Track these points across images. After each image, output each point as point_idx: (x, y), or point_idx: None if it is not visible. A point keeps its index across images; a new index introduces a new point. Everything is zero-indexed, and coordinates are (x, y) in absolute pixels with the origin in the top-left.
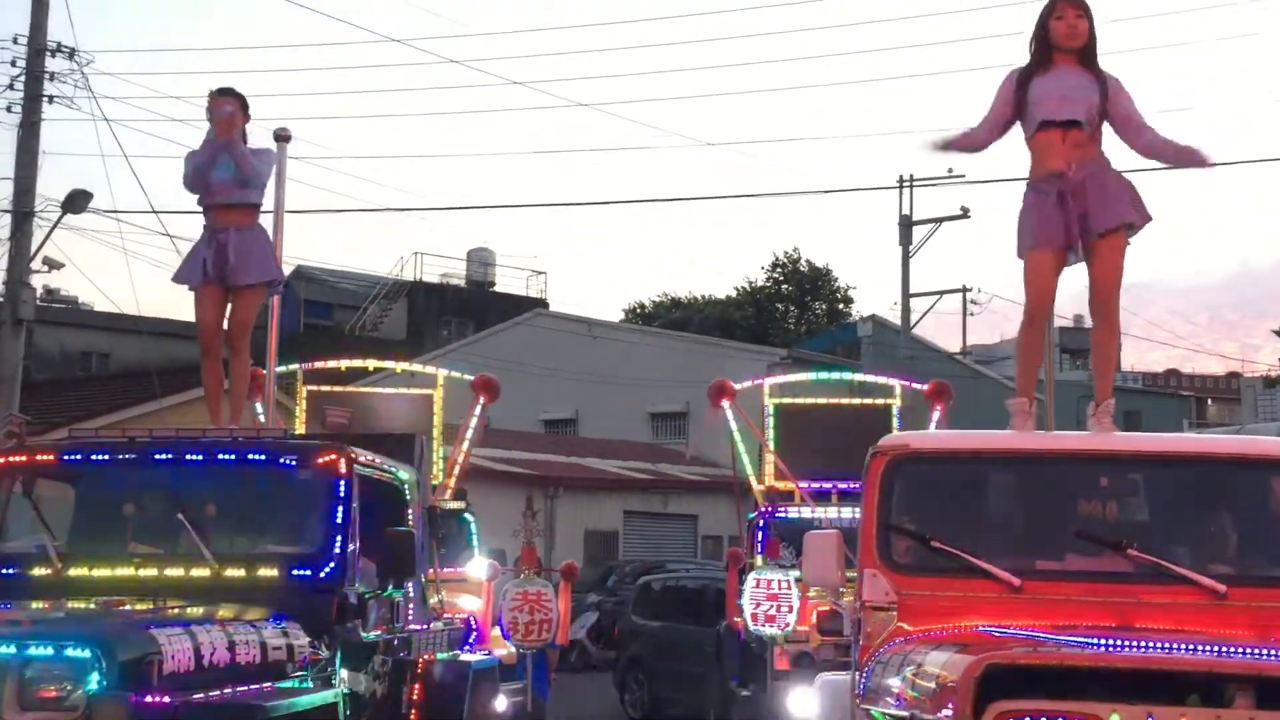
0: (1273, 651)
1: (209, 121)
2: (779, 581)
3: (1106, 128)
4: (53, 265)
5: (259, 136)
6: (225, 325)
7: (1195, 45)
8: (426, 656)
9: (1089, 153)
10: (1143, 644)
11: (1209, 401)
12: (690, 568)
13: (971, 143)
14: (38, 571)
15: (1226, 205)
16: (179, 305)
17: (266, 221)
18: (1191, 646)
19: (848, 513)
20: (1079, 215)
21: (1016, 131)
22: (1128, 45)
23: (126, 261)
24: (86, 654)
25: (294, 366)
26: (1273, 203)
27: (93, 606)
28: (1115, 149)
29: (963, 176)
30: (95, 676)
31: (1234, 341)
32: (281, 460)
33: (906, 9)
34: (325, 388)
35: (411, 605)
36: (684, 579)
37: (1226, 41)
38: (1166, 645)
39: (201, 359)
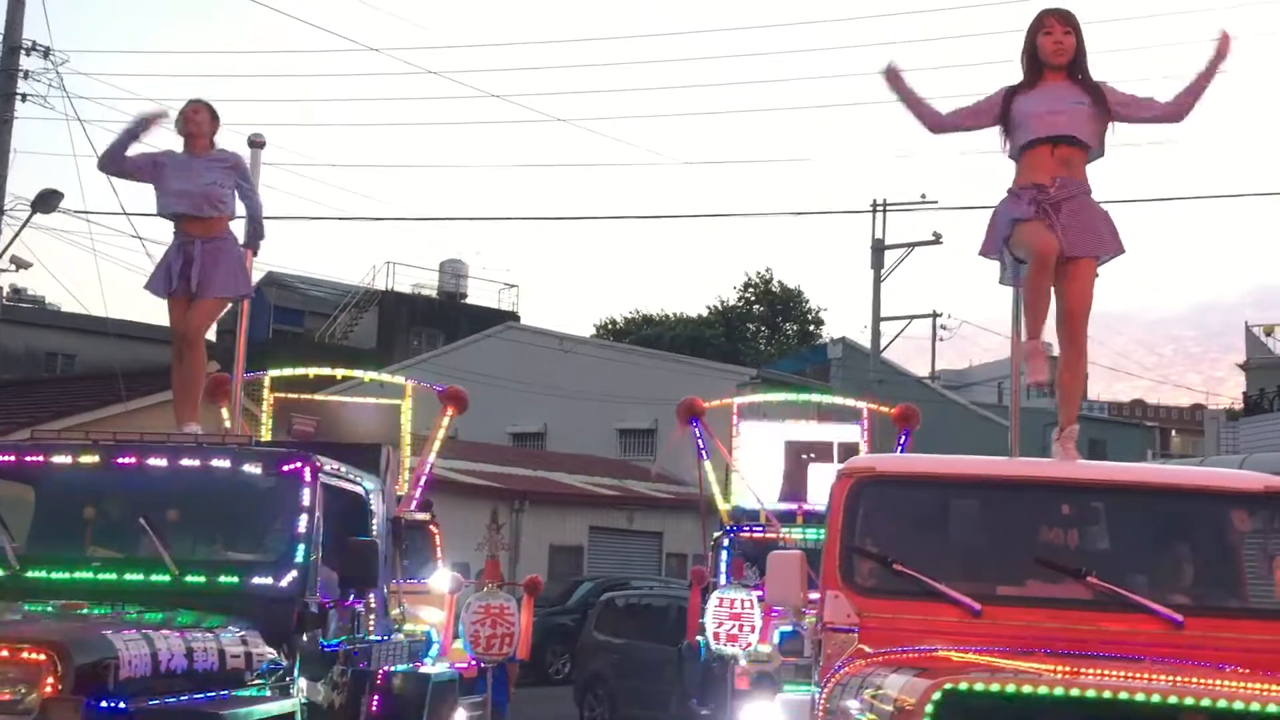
0: (1228, 682)
1: (180, 131)
2: (742, 601)
3: (1125, 129)
4: (20, 264)
5: (234, 141)
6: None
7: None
8: (386, 668)
9: (1075, 173)
10: (1100, 672)
11: (1173, 433)
12: (654, 585)
13: (925, 113)
14: None
15: (1193, 239)
16: (147, 308)
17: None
18: (1148, 676)
19: (812, 533)
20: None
21: (994, 155)
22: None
23: (95, 262)
24: (41, 657)
25: (261, 373)
26: (1239, 238)
27: (50, 609)
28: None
29: (936, 202)
30: (50, 680)
31: (1199, 374)
32: (246, 467)
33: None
34: (293, 395)
35: (373, 616)
36: (647, 596)
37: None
38: (1123, 674)
39: (173, 362)
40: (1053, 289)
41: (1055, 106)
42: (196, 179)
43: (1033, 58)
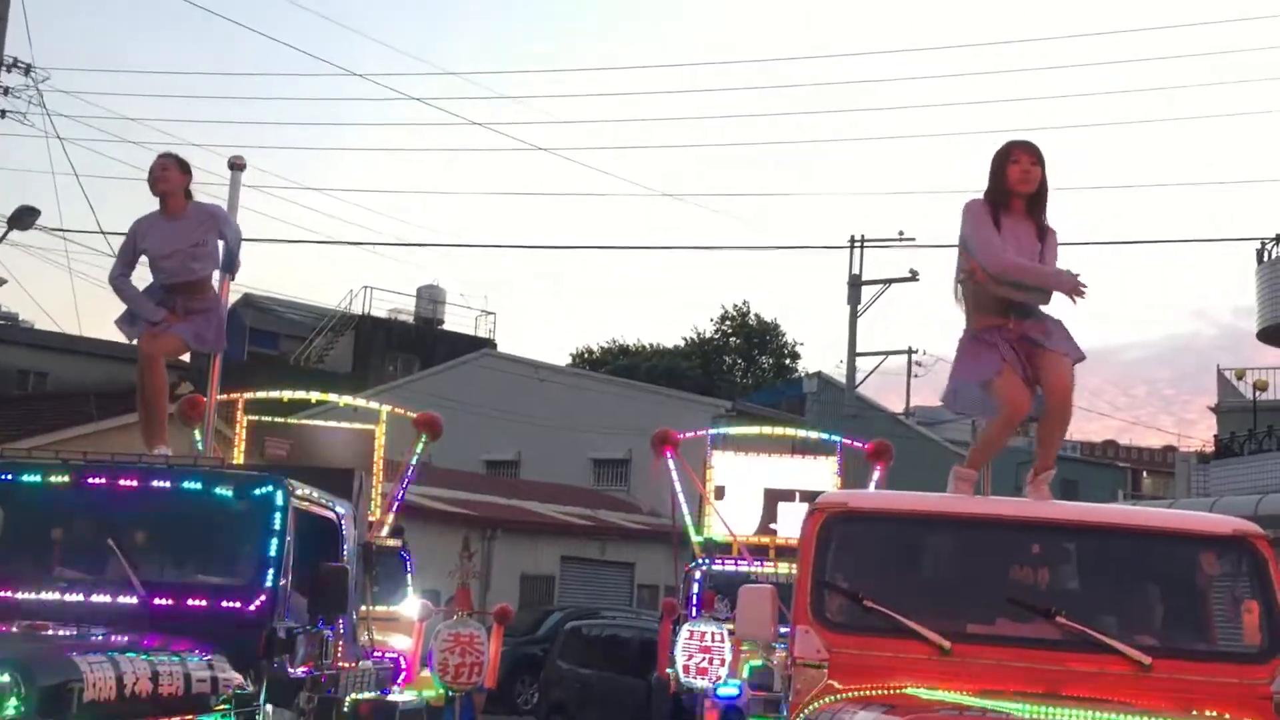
0: None
1: (154, 191)
2: (712, 634)
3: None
4: None
5: (214, 163)
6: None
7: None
8: (353, 695)
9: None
10: (1067, 712)
11: (1145, 474)
12: (616, 616)
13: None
14: None
15: (1167, 281)
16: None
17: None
18: (1115, 716)
19: (784, 568)
20: (1024, 353)
21: (971, 194)
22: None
23: (71, 281)
24: (5, 678)
25: (235, 395)
26: (1211, 280)
27: (14, 630)
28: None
29: (913, 240)
30: (13, 702)
31: (1171, 415)
32: (217, 490)
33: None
34: (266, 418)
35: (341, 642)
36: (610, 626)
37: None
38: (1091, 714)
39: (137, 383)
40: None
41: (1017, 244)
42: (179, 242)
43: (1000, 183)
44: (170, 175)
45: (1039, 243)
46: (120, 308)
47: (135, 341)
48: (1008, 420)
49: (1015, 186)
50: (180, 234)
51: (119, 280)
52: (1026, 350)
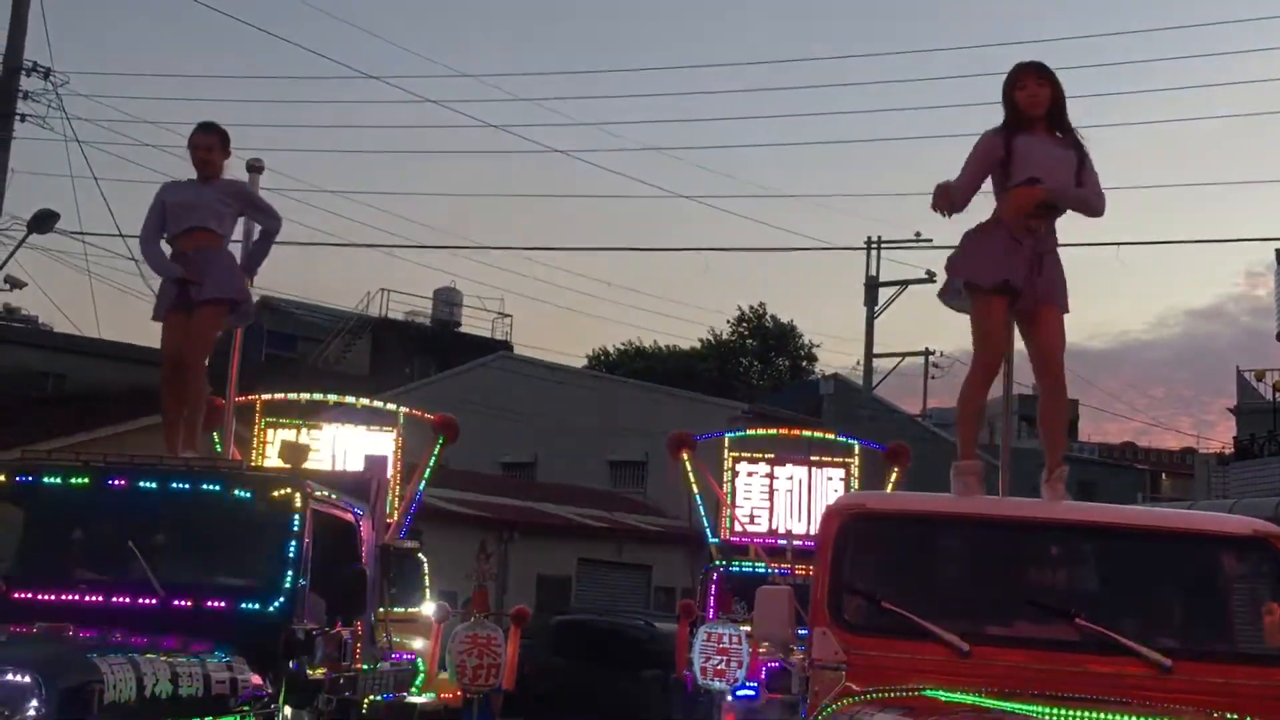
0: None
1: (192, 154)
2: (729, 636)
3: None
4: (15, 284)
5: (233, 166)
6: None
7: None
8: (371, 696)
9: (1051, 224)
10: (1087, 714)
11: (1164, 476)
12: (606, 614)
13: (952, 206)
14: None
15: (1184, 281)
16: (139, 329)
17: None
18: (1134, 718)
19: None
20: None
21: (987, 196)
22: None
23: (90, 283)
24: (26, 680)
25: (253, 397)
26: (1229, 281)
27: (35, 632)
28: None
29: (930, 241)
30: (34, 704)
31: (1190, 417)
32: (236, 492)
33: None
34: (285, 420)
35: (360, 644)
36: (596, 620)
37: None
38: (1111, 716)
39: (162, 386)
40: (1022, 336)
41: (1051, 160)
42: (205, 197)
43: (1014, 112)
44: (214, 158)
45: (1072, 153)
46: (141, 295)
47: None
48: (981, 373)
49: (1027, 111)
50: (206, 192)
51: (146, 244)
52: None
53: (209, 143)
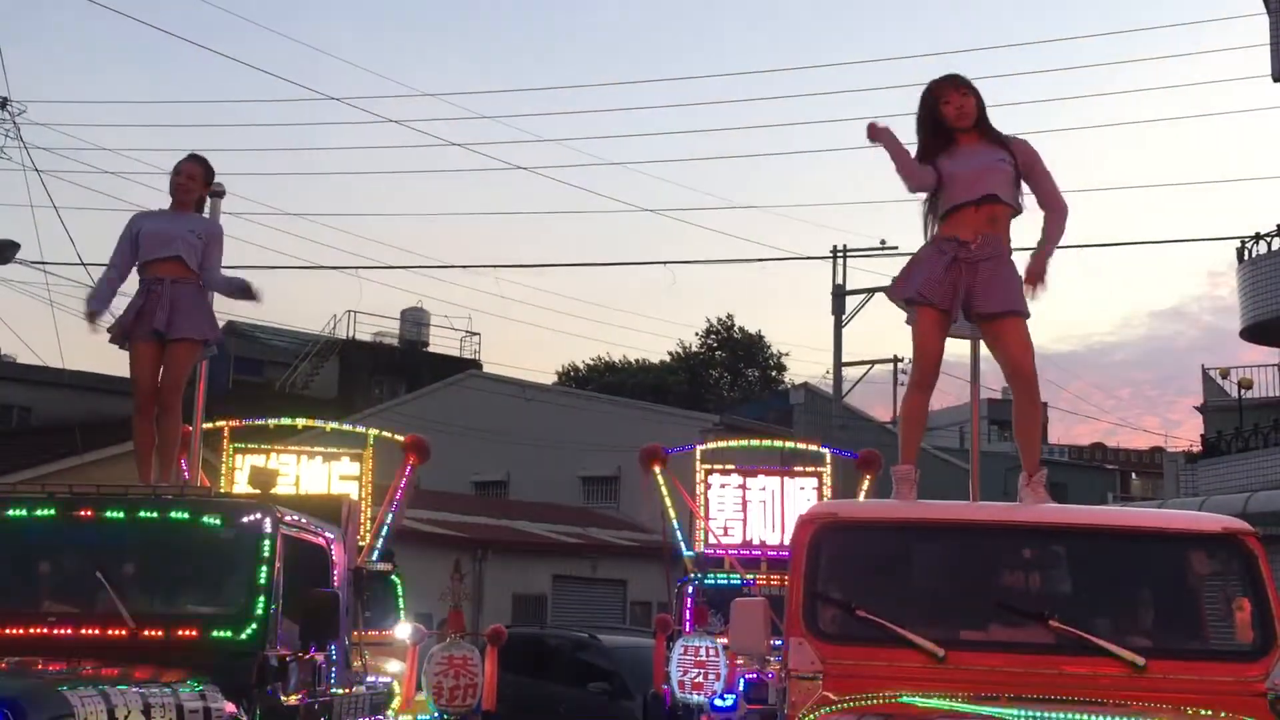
0: None
1: (172, 186)
2: (706, 649)
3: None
4: None
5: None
6: (158, 381)
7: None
8: None
9: (999, 229)
10: (1063, 716)
11: (1133, 476)
12: (556, 628)
13: (911, 174)
14: None
15: (1146, 282)
16: (103, 359)
17: None
18: (1110, 718)
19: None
20: (965, 289)
21: None
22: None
23: (53, 314)
24: None
25: (221, 423)
26: (1191, 280)
27: (4, 666)
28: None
29: (896, 248)
30: None
31: (1156, 416)
32: (205, 519)
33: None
34: (253, 445)
35: (334, 668)
36: (541, 636)
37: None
38: (1087, 717)
39: (134, 415)
40: (988, 347)
41: (979, 165)
42: (178, 227)
43: (940, 127)
44: (194, 187)
45: (1005, 153)
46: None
47: (118, 345)
48: (918, 382)
49: (955, 124)
50: (179, 221)
51: (107, 269)
52: (970, 285)
53: (193, 171)
